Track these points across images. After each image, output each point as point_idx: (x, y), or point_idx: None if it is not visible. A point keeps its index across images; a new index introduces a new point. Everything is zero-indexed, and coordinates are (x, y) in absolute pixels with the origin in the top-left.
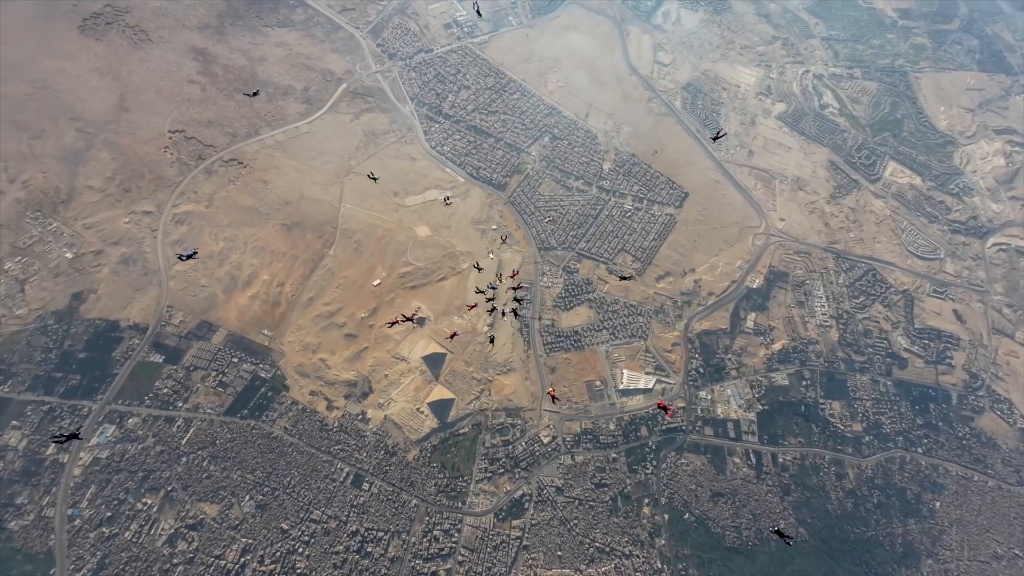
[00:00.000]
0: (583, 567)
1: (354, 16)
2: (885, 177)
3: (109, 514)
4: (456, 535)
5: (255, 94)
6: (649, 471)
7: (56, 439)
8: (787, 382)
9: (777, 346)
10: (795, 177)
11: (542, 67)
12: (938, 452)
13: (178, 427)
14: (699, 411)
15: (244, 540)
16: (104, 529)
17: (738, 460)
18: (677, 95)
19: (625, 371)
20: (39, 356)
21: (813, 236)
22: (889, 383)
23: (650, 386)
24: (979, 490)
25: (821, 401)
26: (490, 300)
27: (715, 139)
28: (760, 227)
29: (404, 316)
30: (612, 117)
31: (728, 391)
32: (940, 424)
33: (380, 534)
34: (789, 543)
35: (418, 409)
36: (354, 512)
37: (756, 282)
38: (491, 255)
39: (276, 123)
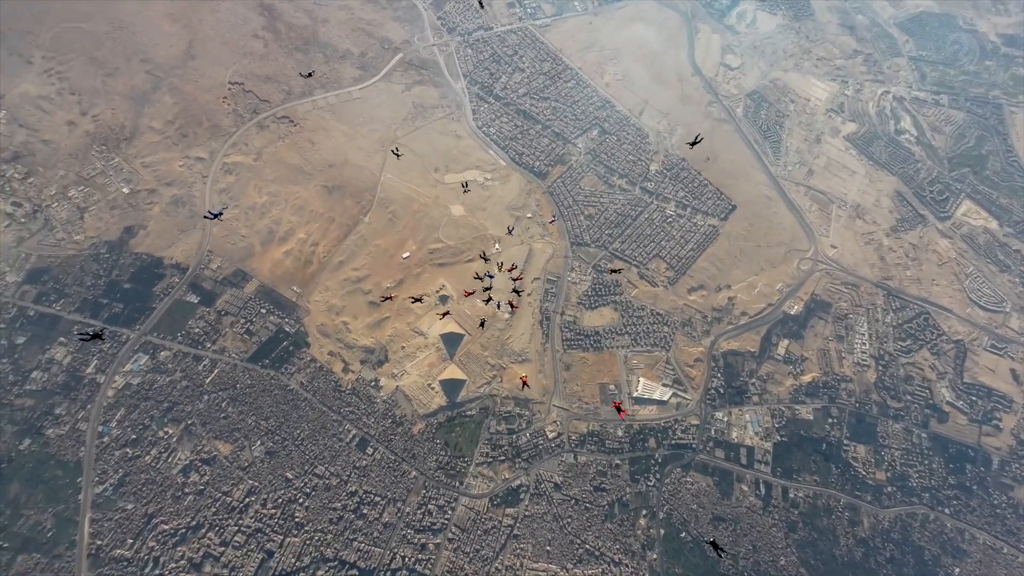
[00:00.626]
0: (570, 566)
1: None
2: (956, 216)
3: (134, 437)
4: (450, 512)
5: (310, 75)
6: (651, 483)
7: (82, 335)
8: (811, 417)
9: (807, 378)
10: (855, 204)
11: (601, 57)
12: (967, 516)
13: (204, 366)
14: (712, 431)
15: (251, 482)
16: (128, 450)
17: (746, 488)
18: (740, 102)
19: (642, 379)
20: (89, 281)
21: (865, 269)
22: (924, 435)
23: (665, 398)
24: (1007, 564)
25: (846, 443)
26: (487, 290)
27: (692, 145)
28: (808, 251)
29: (413, 298)
30: (667, 117)
31: (747, 416)
32: (974, 487)
33: (377, 499)
34: (720, 556)
35: (429, 385)
36: (355, 473)
37: (795, 308)
38: (497, 247)
39: (330, 86)
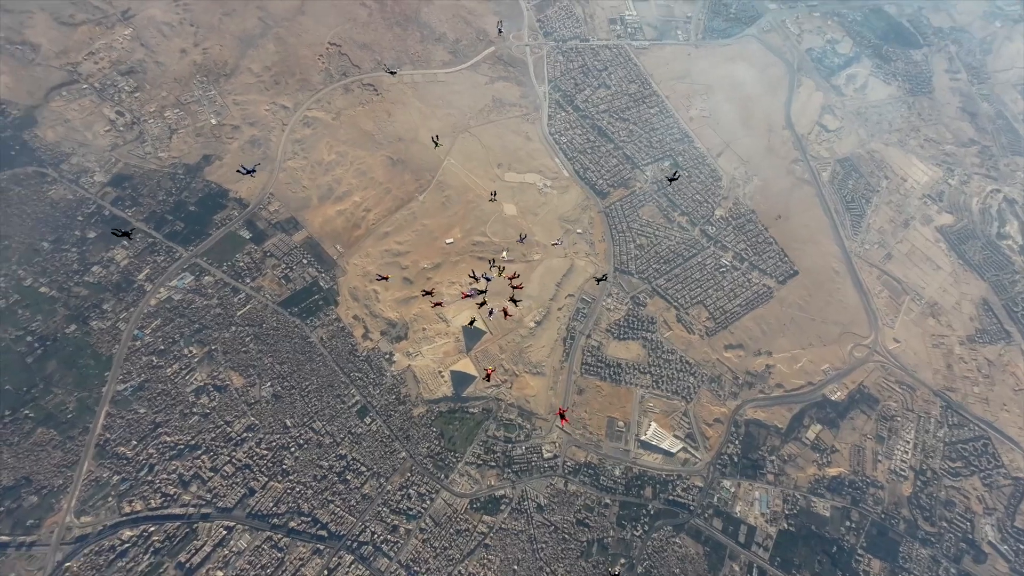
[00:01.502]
0: None
1: None
2: None
3: (161, 348)
4: (428, 502)
5: (394, 73)
6: (638, 533)
7: (115, 232)
8: (828, 514)
9: (833, 471)
10: (932, 301)
11: (691, 90)
12: None
13: (239, 299)
14: (715, 499)
15: (252, 419)
16: (154, 359)
17: (737, 568)
18: (828, 166)
19: (653, 424)
20: (161, 196)
21: (927, 373)
22: (954, 572)
23: (674, 450)
24: None
25: (860, 553)
26: (480, 292)
27: (670, 180)
28: (867, 339)
29: (433, 302)
30: (746, 165)
31: (756, 493)
32: None
33: (363, 468)
34: None
35: (440, 372)
36: (349, 438)
37: (837, 394)
38: (504, 254)
39: (419, 64)
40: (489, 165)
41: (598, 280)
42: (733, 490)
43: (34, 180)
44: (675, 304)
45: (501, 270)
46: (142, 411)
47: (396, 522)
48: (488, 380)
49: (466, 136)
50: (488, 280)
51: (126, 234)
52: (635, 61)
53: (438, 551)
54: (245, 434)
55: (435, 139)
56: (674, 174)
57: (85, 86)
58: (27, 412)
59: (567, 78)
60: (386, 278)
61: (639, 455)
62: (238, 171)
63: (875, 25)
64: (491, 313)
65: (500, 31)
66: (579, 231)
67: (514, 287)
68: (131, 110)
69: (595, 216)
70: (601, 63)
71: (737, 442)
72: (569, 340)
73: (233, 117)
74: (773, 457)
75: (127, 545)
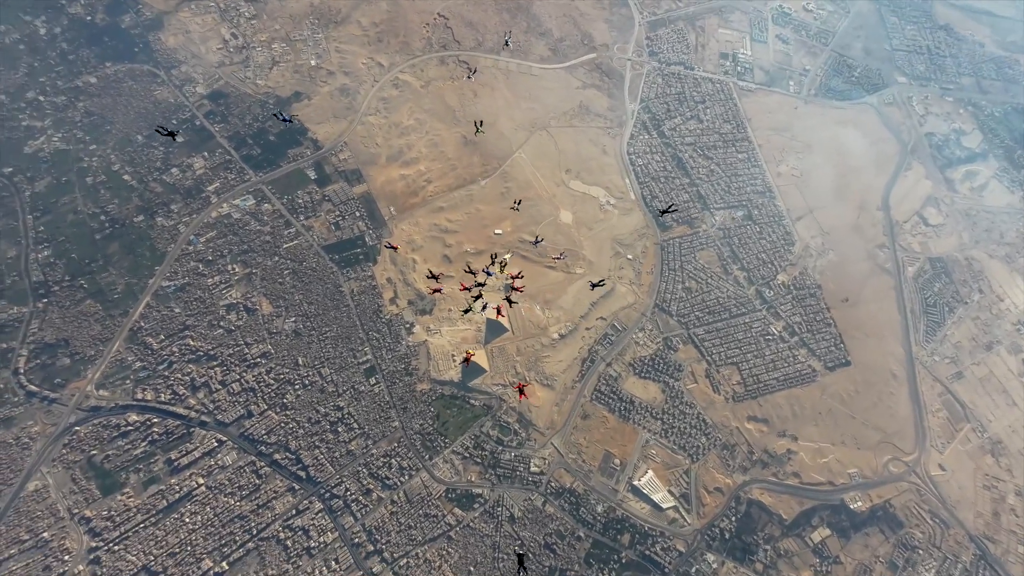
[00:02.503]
0: None
1: (647, 2)
2: None
3: (209, 258)
4: (406, 477)
5: (507, 43)
6: None
7: (159, 129)
8: None
9: None
10: (996, 439)
11: (788, 145)
12: None
13: (289, 233)
14: (694, 570)
15: (269, 348)
16: (200, 265)
17: None
18: (917, 262)
19: (650, 472)
20: (248, 120)
21: (967, 513)
22: None
23: (664, 505)
24: None
25: None
26: (479, 286)
27: (663, 212)
28: (908, 456)
29: (433, 288)
30: (825, 236)
31: None
32: None
33: (355, 426)
34: (522, 572)
35: (453, 355)
36: (350, 393)
37: (858, 504)
38: (507, 256)
39: (517, 54)
40: (558, 168)
41: (593, 285)
42: (715, 567)
43: (146, 78)
44: (708, 358)
45: (503, 266)
46: (177, 311)
47: (371, 486)
48: (521, 395)
49: (543, 134)
50: (488, 275)
51: (171, 134)
52: (736, 101)
53: (402, 527)
54: (259, 359)
55: (478, 124)
56: (669, 207)
57: (211, 4)
58: (82, 282)
59: (660, 102)
60: (465, 288)
61: (627, 499)
62: (275, 115)
63: (1015, 126)
64: (484, 308)
65: (507, 43)
66: (630, 257)
67: (515, 288)
68: (244, 35)
69: (650, 247)
70: (700, 95)
71: (734, 518)
72: (588, 363)
73: (331, 63)
74: (768, 547)
75: (130, 428)
